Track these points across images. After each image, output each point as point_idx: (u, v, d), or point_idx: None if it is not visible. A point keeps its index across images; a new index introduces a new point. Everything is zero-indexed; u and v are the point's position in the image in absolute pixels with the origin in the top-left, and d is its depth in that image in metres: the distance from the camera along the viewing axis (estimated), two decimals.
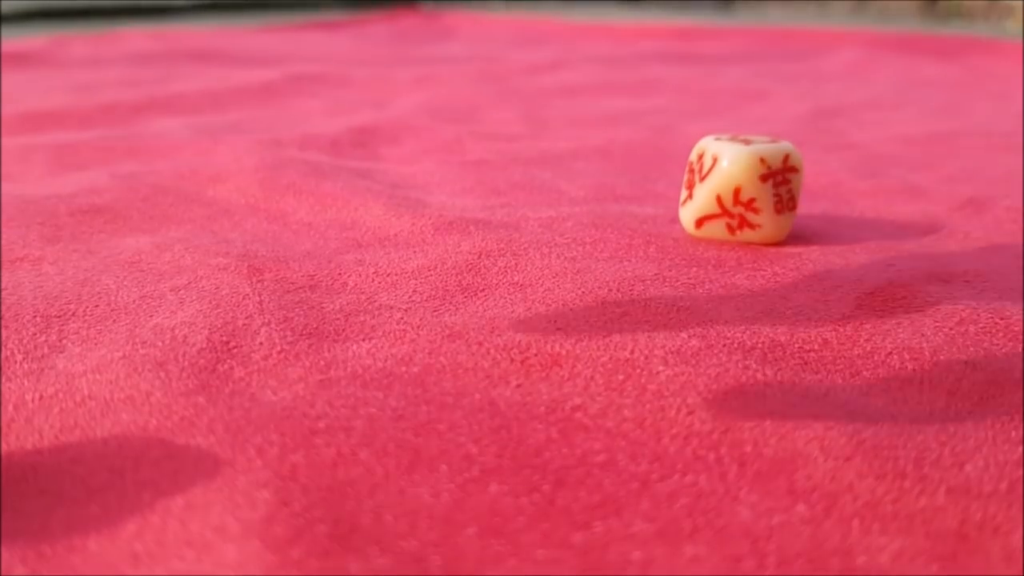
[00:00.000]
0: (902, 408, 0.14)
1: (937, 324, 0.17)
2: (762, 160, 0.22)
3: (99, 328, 0.17)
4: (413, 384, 0.15)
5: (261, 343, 0.17)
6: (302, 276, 0.20)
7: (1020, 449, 0.13)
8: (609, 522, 0.11)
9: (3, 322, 0.18)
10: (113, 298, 0.19)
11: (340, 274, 0.20)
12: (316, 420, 0.14)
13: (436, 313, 0.18)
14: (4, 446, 0.13)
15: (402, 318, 0.18)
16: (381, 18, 1.04)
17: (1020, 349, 0.16)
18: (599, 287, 0.19)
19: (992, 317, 0.17)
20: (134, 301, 0.19)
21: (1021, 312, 0.18)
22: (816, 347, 0.16)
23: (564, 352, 0.16)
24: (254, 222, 0.25)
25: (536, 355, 0.16)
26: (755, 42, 0.87)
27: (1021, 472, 0.12)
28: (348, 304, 0.18)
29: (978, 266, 0.21)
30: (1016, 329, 0.17)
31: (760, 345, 0.16)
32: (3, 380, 0.15)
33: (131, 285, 0.20)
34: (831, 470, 0.12)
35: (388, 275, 0.20)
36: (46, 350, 0.17)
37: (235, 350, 0.16)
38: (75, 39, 0.73)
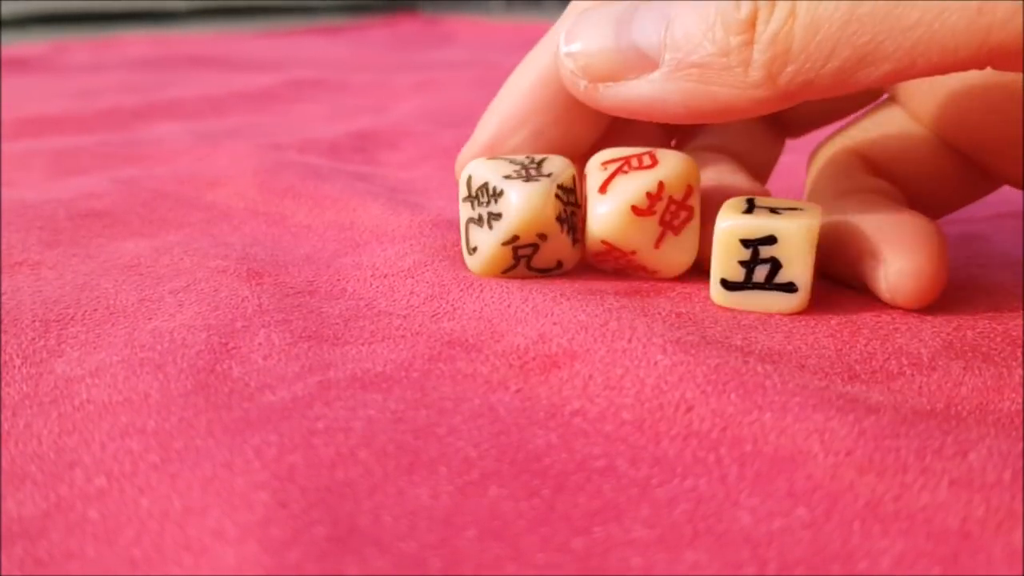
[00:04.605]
0: (902, 405, 0.14)
1: (935, 329, 0.17)
2: None
3: (98, 332, 0.17)
4: (412, 388, 0.15)
5: (260, 344, 0.17)
6: (301, 281, 0.20)
7: (1020, 446, 0.13)
8: (609, 527, 0.11)
9: (2, 327, 0.18)
10: (112, 302, 0.19)
11: (339, 279, 0.20)
12: (315, 420, 0.14)
13: (435, 318, 0.18)
14: (4, 451, 0.13)
15: (401, 324, 0.18)
16: (381, 23, 1.04)
17: (1019, 353, 0.16)
18: (595, 278, 0.19)
19: (989, 322, 0.17)
20: (133, 304, 0.19)
21: (1020, 315, 0.18)
22: (814, 353, 0.16)
23: (561, 351, 0.16)
24: (253, 225, 0.25)
25: (534, 359, 0.16)
26: None
27: (1022, 463, 0.12)
28: (347, 309, 0.18)
29: (975, 269, 0.21)
30: (1015, 333, 0.17)
31: (758, 349, 0.16)
32: (2, 385, 0.15)
33: (130, 289, 0.19)
34: (832, 467, 0.12)
35: (386, 276, 0.20)
36: (45, 355, 0.17)
37: (234, 351, 0.16)
38: (75, 45, 0.73)
